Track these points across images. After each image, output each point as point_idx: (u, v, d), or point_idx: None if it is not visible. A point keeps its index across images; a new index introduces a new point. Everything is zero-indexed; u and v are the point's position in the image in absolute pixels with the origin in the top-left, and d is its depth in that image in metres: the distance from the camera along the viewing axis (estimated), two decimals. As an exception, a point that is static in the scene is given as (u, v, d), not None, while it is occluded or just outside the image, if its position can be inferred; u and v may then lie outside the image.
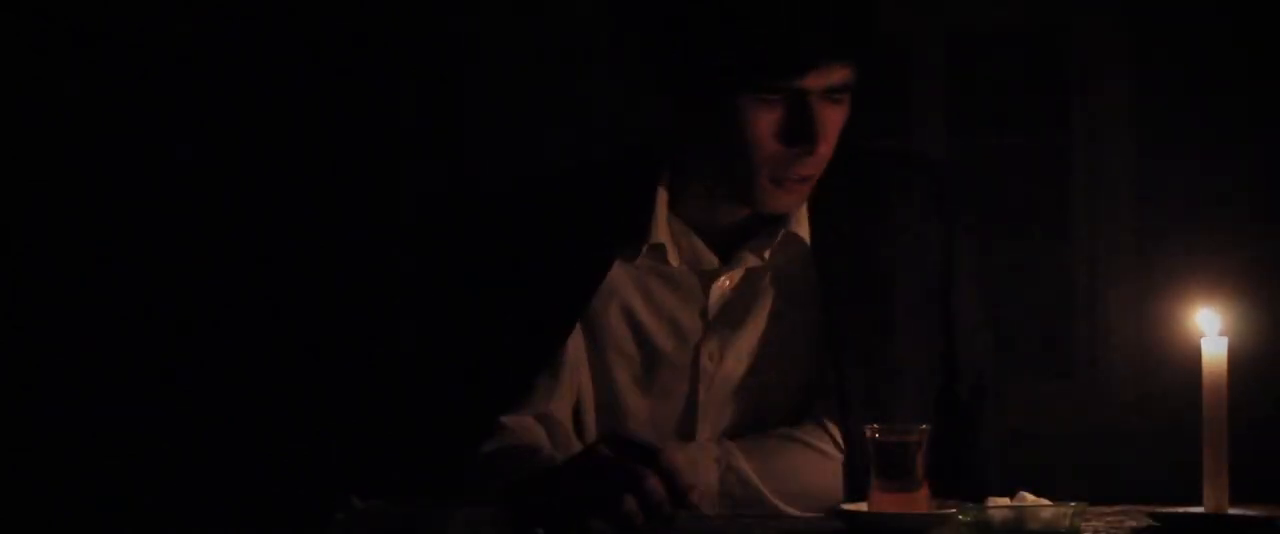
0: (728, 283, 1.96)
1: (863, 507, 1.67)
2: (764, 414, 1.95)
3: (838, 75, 1.84)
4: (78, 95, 4.02)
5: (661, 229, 1.95)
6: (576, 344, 1.97)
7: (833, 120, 1.86)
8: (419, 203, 4.20)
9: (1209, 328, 1.61)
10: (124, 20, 4.03)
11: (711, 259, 1.96)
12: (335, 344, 4.13)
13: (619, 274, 1.96)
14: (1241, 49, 4.09)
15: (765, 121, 1.84)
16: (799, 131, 1.84)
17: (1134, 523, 1.66)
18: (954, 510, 1.57)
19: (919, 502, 1.64)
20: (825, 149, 1.86)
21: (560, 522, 1.69)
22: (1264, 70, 4.07)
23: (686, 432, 1.96)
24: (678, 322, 1.97)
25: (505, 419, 1.95)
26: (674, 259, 1.96)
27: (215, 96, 4.09)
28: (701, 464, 1.89)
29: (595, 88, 4.12)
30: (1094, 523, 1.66)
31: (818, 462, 1.92)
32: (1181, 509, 1.61)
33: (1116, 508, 1.77)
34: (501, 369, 1.97)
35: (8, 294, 4.00)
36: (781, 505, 1.90)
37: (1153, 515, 1.63)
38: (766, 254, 1.95)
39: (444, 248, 3.98)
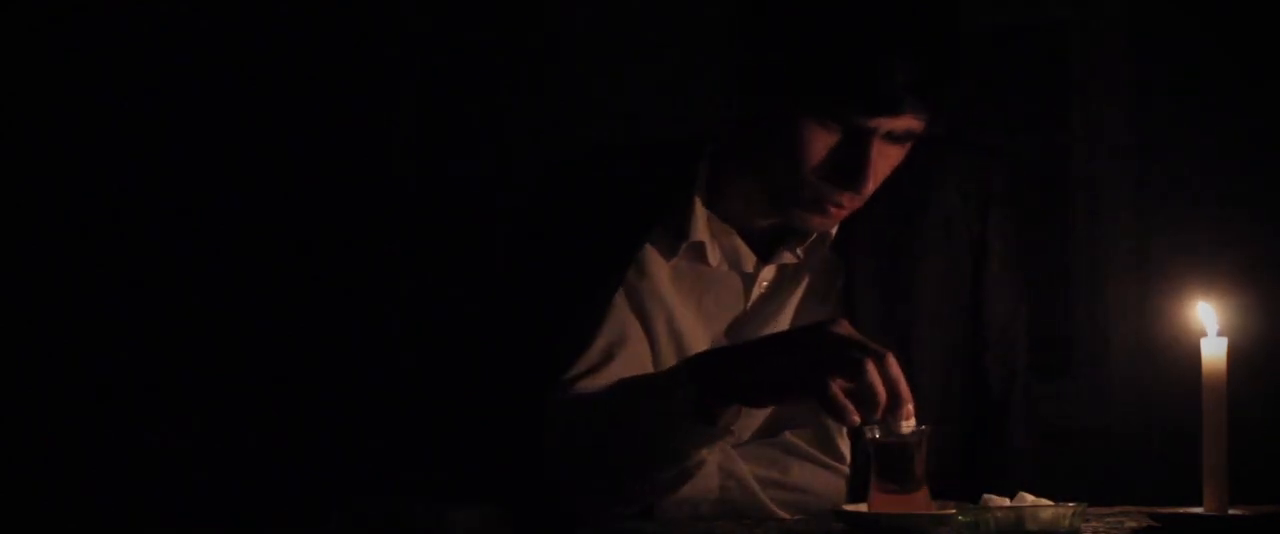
0: (765, 282, 1.94)
1: (863, 507, 1.67)
2: (779, 416, 1.94)
3: (908, 122, 1.79)
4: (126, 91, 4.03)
5: (701, 227, 1.92)
6: (637, 340, 1.93)
7: (888, 161, 1.82)
8: (413, 202, 4.20)
9: (1208, 327, 1.61)
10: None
11: (751, 258, 1.93)
12: (335, 343, 4.13)
13: (658, 272, 1.94)
14: (1241, 49, 4.09)
15: (820, 146, 1.80)
16: (849, 167, 1.80)
17: (1134, 523, 1.66)
18: (954, 511, 1.57)
19: (919, 502, 1.64)
20: (871, 189, 1.82)
21: (780, 392, 1.67)
22: (1264, 70, 4.07)
23: None
24: (716, 321, 1.93)
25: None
26: (713, 258, 1.93)
27: (256, 81, 4.09)
28: (702, 469, 1.87)
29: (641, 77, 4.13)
30: (1094, 523, 1.66)
31: (820, 472, 1.91)
32: (1181, 509, 1.61)
33: (1116, 508, 1.77)
34: (545, 342, 1.91)
35: (8, 294, 4.00)
36: (782, 513, 1.89)
37: (1153, 516, 1.62)
38: (800, 251, 1.93)
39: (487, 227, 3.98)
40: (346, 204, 4.17)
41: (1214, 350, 1.60)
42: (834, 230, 1.92)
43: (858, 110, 1.77)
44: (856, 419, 1.64)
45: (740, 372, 1.70)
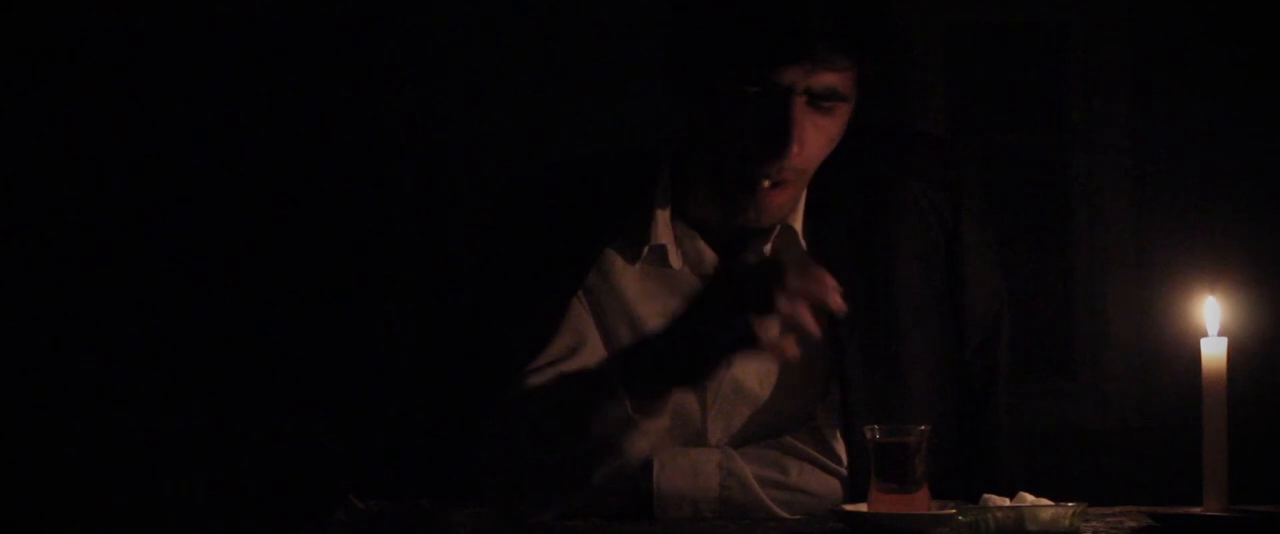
0: None
1: (863, 507, 1.67)
2: (776, 421, 1.93)
3: (826, 79, 1.78)
4: (85, 95, 4.02)
5: (663, 231, 1.92)
6: (595, 343, 1.94)
7: (815, 127, 1.81)
8: (412, 199, 4.20)
9: (1208, 327, 1.61)
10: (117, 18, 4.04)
11: (713, 259, 1.94)
12: (334, 343, 4.12)
13: (622, 277, 1.94)
14: (1240, 48, 4.09)
15: (744, 116, 1.79)
16: (770, 131, 1.79)
17: (1134, 523, 1.66)
18: (954, 511, 1.57)
19: (919, 502, 1.64)
20: (798, 155, 1.80)
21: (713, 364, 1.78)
22: (1262, 70, 4.07)
23: (697, 437, 1.93)
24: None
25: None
26: (675, 261, 1.93)
27: (221, 94, 4.09)
28: (704, 469, 1.88)
29: (603, 87, 4.13)
30: (1094, 523, 1.66)
31: (820, 473, 1.91)
32: (1181, 510, 1.61)
33: (1116, 508, 1.77)
34: (501, 352, 1.94)
35: (8, 294, 4.00)
36: (783, 514, 1.89)
37: (1153, 516, 1.62)
38: (767, 250, 1.92)
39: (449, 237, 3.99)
40: (346, 204, 4.17)
41: (1214, 350, 1.60)
42: (799, 223, 1.91)
43: (770, 63, 1.76)
44: (795, 353, 1.74)
45: (672, 370, 1.79)
